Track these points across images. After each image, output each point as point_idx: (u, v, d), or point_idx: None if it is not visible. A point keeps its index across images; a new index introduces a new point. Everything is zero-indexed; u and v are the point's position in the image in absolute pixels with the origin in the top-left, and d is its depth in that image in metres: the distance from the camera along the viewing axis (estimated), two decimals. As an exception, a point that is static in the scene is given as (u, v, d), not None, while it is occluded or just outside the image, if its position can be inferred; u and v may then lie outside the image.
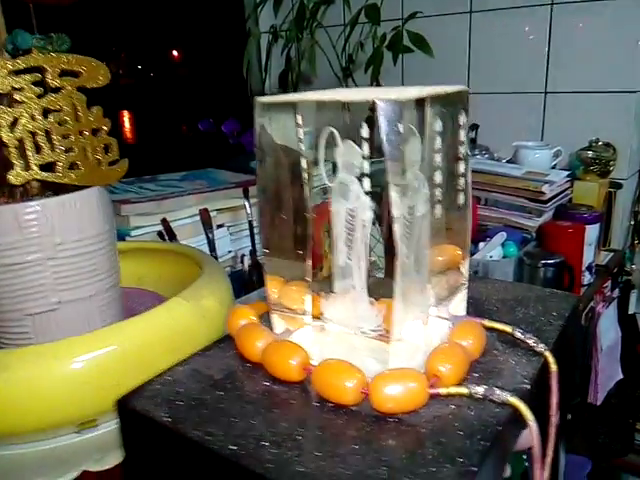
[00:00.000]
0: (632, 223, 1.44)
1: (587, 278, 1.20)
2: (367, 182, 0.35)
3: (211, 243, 1.02)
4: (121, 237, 0.94)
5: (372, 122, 0.32)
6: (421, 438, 0.32)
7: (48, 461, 0.54)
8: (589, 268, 1.20)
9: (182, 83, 2.10)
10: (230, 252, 1.09)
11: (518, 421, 0.33)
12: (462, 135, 0.38)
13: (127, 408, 0.37)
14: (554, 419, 0.37)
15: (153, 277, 0.81)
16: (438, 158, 0.37)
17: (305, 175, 0.39)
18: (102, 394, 0.50)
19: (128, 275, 0.77)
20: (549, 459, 0.36)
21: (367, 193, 0.36)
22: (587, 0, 1.30)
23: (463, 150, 0.38)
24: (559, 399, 0.38)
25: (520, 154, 1.37)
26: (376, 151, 0.34)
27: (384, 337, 0.37)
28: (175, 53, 2.20)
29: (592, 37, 1.32)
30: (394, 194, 0.32)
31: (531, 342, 0.39)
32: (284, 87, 1.56)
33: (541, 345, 0.39)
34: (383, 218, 0.35)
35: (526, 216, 1.23)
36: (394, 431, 0.33)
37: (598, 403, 1.27)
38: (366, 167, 0.35)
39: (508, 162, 1.39)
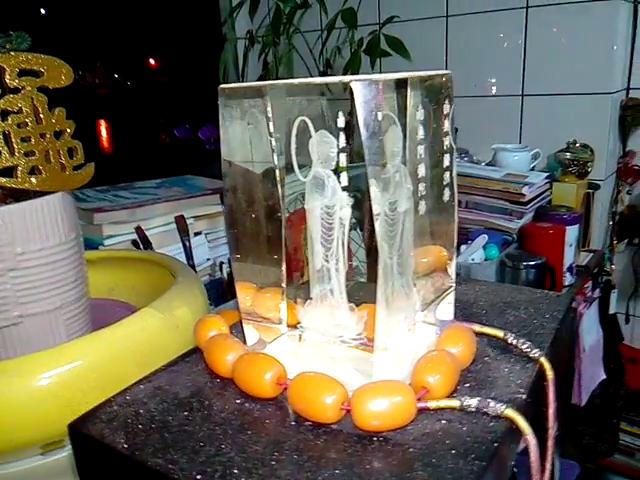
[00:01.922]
0: (611, 224, 1.45)
1: (568, 279, 1.19)
2: (344, 176, 0.32)
3: (188, 251, 0.99)
4: (94, 246, 0.91)
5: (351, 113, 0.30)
6: (409, 459, 0.29)
7: (11, 485, 0.51)
8: (570, 269, 1.19)
9: (159, 90, 2.07)
10: (208, 260, 1.07)
11: (515, 435, 0.30)
12: (447, 125, 0.36)
13: (80, 433, 0.33)
14: (552, 430, 0.35)
15: (126, 287, 0.78)
16: (421, 150, 0.34)
17: (277, 172, 0.36)
18: (68, 412, 0.48)
19: (99, 286, 0.74)
20: (548, 473, 0.33)
21: (344, 189, 0.33)
22: (561, 3, 1.30)
23: (448, 142, 0.36)
24: (556, 408, 0.35)
25: (499, 157, 1.37)
26: (356, 154, 0.31)
27: (367, 346, 0.34)
28: (151, 61, 2.18)
29: (568, 40, 1.33)
30: (374, 188, 0.29)
31: (525, 347, 0.36)
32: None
33: (535, 350, 0.36)
34: (364, 221, 0.33)
35: (507, 218, 1.23)
36: (379, 452, 0.30)
37: (582, 404, 1.27)
38: (342, 160, 0.32)
39: (488, 165, 1.39)
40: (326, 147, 0.32)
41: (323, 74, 1.45)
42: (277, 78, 1.45)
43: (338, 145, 0.32)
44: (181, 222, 1.00)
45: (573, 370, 1.25)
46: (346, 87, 0.27)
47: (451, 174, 0.37)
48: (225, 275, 1.04)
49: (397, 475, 0.28)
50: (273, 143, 0.35)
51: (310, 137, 0.33)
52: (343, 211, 0.33)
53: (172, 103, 1.99)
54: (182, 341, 0.58)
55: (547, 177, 1.31)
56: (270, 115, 0.34)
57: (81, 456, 0.35)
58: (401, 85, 0.32)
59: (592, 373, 1.30)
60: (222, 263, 1.05)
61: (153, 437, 0.32)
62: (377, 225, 0.30)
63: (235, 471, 0.29)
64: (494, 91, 1.46)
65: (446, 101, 0.36)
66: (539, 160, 1.39)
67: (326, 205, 0.33)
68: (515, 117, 1.45)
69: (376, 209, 0.29)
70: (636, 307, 1.53)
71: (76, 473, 0.53)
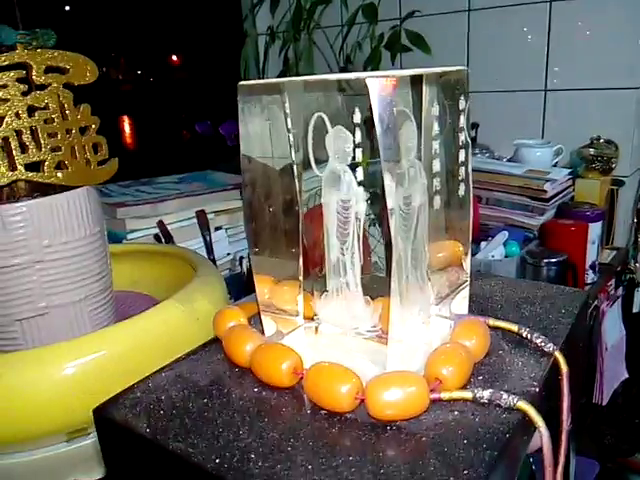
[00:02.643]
0: (635, 220, 1.43)
1: (591, 277, 1.18)
2: (360, 172, 0.33)
3: (208, 245, 1.01)
4: (117, 240, 0.93)
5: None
6: (422, 447, 0.29)
7: (37, 472, 0.53)
8: (592, 266, 1.18)
9: (181, 86, 2.10)
10: (229, 254, 1.08)
11: (527, 427, 0.31)
12: (462, 121, 0.36)
13: (104, 418, 0.34)
14: (565, 424, 0.35)
15: (148, 280, 0.80)
16: (436, 145, 0.35)
17: (295, 167, 0.37)
18: (92, 401, 0.49)
19: (122, 278, 0.76)
20: (561, 467, 0.34)
21: (360, 183, 0.33)
22: (586, -3, 1.29)
23: (463, 137, 0.36)
24: (570, 402, 0.35)
25: (521, 152, 1.36)
26: (376, 150, 0.31)
27: (381, 338, 0.34)
28: (174, 57, 2.20)
29: (591, 34, 1.31)
30: (388, 182, 0.29)
31: (539, 341, 0.37)
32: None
33: (550, 344, 0.36)
34: (383, 217, 0.33)
35: (528, 215, 1.21)
36: (393, 440, 0.30)
37: (604, 403, 1.25)
38: (359, 155, 0.32)
39: (509, 161, 1.38)
40: (342, 142, 0.32)
41: (343, 69, 1.45)
42: (297, 74, 1.45)
43: (354, 140, 0.32)
44: (202, 217, 1.01)
45: (595, 368, 1.24)
46: (362, 83, 0.28)
47: (466, 169, 0.37)
48: (245, 270, 1.05)
49: (409, 462, 0.28)
50: (291, 139, 0.36)
51: (326, 132, 0.34)
52: (359, 205, 0.33)
53: (194, 99, 2.02)
54: (202, 333, 0.59)
55: (570, 173, 1.29)
56: (288, 111, 0.35)
57: (105, 440, 0.36)
58: (416, 81, 0.32)
59: (614, 372, 1.29)
60: (242, 258, 1.06)
61: (174, 422, 0.33)
62: (391, 219, 0.30)
63: (252, 456, 0.29)
64: (516, 86, 1.45)
65: (462, 97, 0.36)
66: (562, 156, 1.37)
67: (342, 199, 0.34)
68: (537, 112, 1.44)
69: (390, 203, 0.30)
70: (660, 306, 1.51)
71: (100, 459, 0.55)
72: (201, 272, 0.68)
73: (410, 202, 0.32)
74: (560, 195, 1.25)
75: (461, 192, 0.37)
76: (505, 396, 0.31)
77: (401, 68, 1.55)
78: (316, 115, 0.33)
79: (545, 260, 1.05)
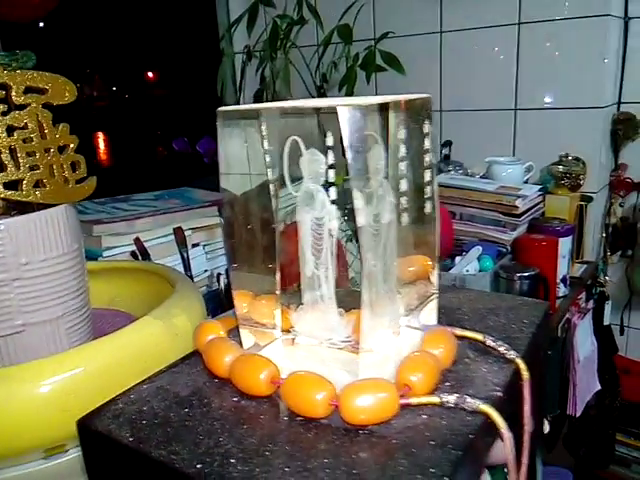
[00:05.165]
0: (603, 235, 1.47)
1: (562, 290, 1.21)
2: (333, 191, 0.35)
3: (186, 262, 1.01)
4: (93, 258, 0.92)
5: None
6: (392, 449, 0.31)
7: (14, 489, 0.53)
8: (564, 280, 1.21)
9: (157, 103, 2.10)
10: (206, 271, 1.08)
11: (490, 429, 0.33)
12: (427, 143, 0.38)
13: (88, 428, 0.35)
14: (527, 427, 0.37)
15: (126, 297, 0.79)
16: (403, 166, 0.37)
17: (272, 187, 0.38)
18: (70, 417, 0.49)
19: (99, 296, 0.75)
20: (524, 468, 0.36)
21: (333, 202, 0.35)
22: (553, 20, 1.34)
23: (428, 158, 0.38)
24: (532, 407, 0.37)
25: (493, 169, 1.39)
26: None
27: (354, 348, 0.36)
28: (150, 74, 2.21)
29: (560, 55, 1.35)
30: (358, 201, 0.32)
31: (502, 349, 0.39)
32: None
33: (512, 352, 0.38)
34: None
35: (501, 230, 1.24)
36: (365, 443, 0.32)
37: (577, 415, 1.28)
38: (331, 175, 0.34)
39: (482, 177, 1.41)
40: (316, 164, 0.34)
41: (319, 88, 1.48)
42: (274, 92, 1.47)
43: (326, 162, 0.34)
44: (179, 234, 1.01)
45: (568, 381, 1.26)
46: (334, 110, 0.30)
47: (432, 188, 0.40)
48: (222, 286, 1.05)
49: (380, 463, 0.30)
50: (267, 159, 0.38)
51: (301, 154, 0.36)
52: (332, 223, 0.35)
53: (170, 116, 2.02)
54: (181, 348, 0.59)
55: (540, 189, 1.33)
56: (265, 134, 0.37)
57: (89, 450, 0.37)
58: (384, 108, 0.34)
59: (587, 384, 1.31)
60: (219, 274, 1.06)
61: (156, 431, 0.34)
62: (361, 236, 0.32)
63: (232, 461, 0.31)
64: (487, 105, 1.49)
65: (426, 121, 0.38)
66: (532, 173, 1.41)
67: (316, 217, 0.36)
68: (508, 131, 1.48)
69: (360, 221, 0.32)
70: (630, 318, 1.55)
71: (78, 476, 0.55)
72: (179, 288, 0.68)
73: (379, 219, 0.34)
74: (531, 211, 1.28)
75: (428, 209, 0.40)
76: (470, 400, 0.33)
77: (376, 87, 1.59)
78: (291, 138, 0.35)
79: (518, 274, 1.08)
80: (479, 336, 0.40)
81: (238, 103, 1.70)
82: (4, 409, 0.46)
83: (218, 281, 1.06)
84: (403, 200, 0.37)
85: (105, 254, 0.95)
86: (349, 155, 0.31)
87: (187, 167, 1.56)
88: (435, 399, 0.34)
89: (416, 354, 0.37)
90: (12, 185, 0.57)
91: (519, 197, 1.23)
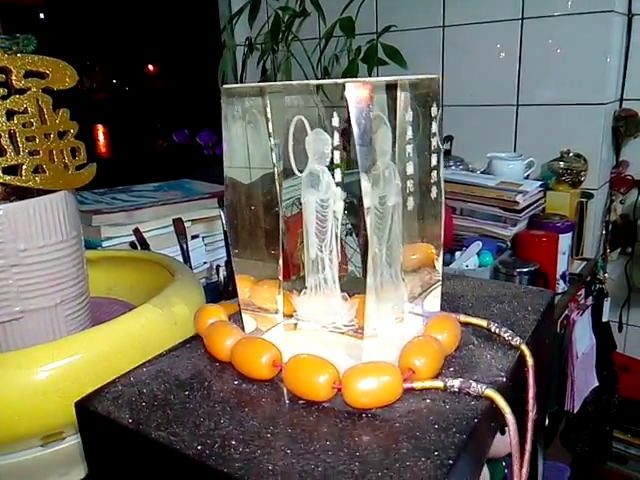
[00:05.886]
0: (603, 232, 1.47)
1: (561, 286, 1.21)
2: (338, 173, 0.34)
3: (185, 253, 1.01)
4: (92, 248, 0.92)
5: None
6: (395, 433, 0.31)
7: (11, 476, 0.52)
8: (563, 276, 1.21)
9: (157, 96, 2.09)
10: (205, 263, 1.08)
11: (494, 414, 0.33)
12: (434, 127, 0.38)
13: (87, 410, 0.35)
14: (532, 414, 0.37)
15: (124, 286, 0.79)
16: (410, 149, 0.36)
17: (275, 170, 0.38)
18: (68, 404, 0.49)
19: (98, 285, 0.75)
20: (527, 455, 0.35)
21: (337, 184, 0.35)
22: (556, 15, 1.33)
23: (435, 142, 0.38)
24: (536, 393, 0.37)
25: (494, 165, 1.39)
26: (352, 161, 0.33)
27: (357, 333, 0.36)
28: (150, 66, 2.20)
29: (562, 51, 1.35)
30: (365, 183, 0.31)
31: (506, 336, 0.39)
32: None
33: (517, 338, 0.38)
34: (360, 226, 0.35)
35: (501, 225, 1.24)
36: (368, 426, 0.32)
37: (575, 411, 1.28)
38: (337, 156, 0.34)
39: (482, 173, 1.41)
40: (321, 144, 0.34)
41: (321, 82, 1.48)
42: (276, 85, 1.47)
43: (332, 143, 0.34)
44: (179, 225, 1.01)
45: (566, 377, 1.27)
46: (341, 89, 0.30)
47: (438, 173, 0.39)
48: (222, 278, 1.05)
49: (383, 446, 0.30)
50: (272, 141, 0.37)
51: (306, 136, 0.36)
52: (337, 204, 0.35)
53: (170, 108, 2.01)
54: (180, 336, 0.59)
55: (541, 185, 1.33)
56: (269, 115, 0.36)
57: (87, 432, 0.37)
58: (391, 88, 0.34)
59: (585, 380, 1.31)
60: (219, 266, 1.06)
61: (156, 413, 0.34)
62: (367, 217, 0.32)
63: (233, 442, 0.31)
64: (489, 101, 1.49)
65: (434, 104, 0.38)
66: (533, 169, 1.41)
67: (321, 199, 0.35)
68: (510, 126, 1.48)
69: (366, 202, 0.32)
70: (629, 315, 1.55)
71: (75, 463, 0.55)
72: (178, 277, 0.68)
73: (385, 202, 0.34)
74: (532, 207, 1.28)
75: (433, 195, 0.39)
76: (474, 385, 0.33)
77: (377, 81, 1.58)
78: (296, 118, 0.34)
79: (517, 270, 1.08)
80: (483, 322, 0.40)
81: (239, 96, 1.69)
82: (1, 396, 0.46)
83: (217, 273, 1.06)
84: (409, 184, 0.37)
85: (104, 244, 0.95)
86: (356, 134, 0.30)
87: (186, 159, 1.55)
88: (439, 383, 0.34)
89: (420, 338, 0.37)
90: (11, 170, 0.57)
91: (520, 193, 1.23)
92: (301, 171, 0.35)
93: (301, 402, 0.34)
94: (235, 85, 0.37)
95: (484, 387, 0.32)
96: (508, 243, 1.23)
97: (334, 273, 0.37)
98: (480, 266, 1.15)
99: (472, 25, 1.45)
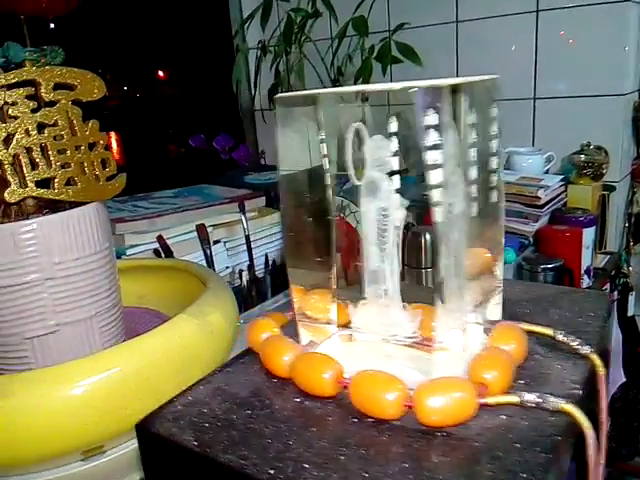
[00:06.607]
0: (626, 225, 1.45)
1: (586, 281, 1.19)
2: (397, 179, 0.33)
3: (209, 259, 1.00)
4: (117, 256, 0.91)
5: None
6: (475, 453, 0.30)
7: (54, 492, 0.52)
8: (587, 271, 1.19)
9: (169, 101, 2.09)
10: (227, 268, 1.07)
11: (572, 428, 0.31)
12: (494, 128, 0.37)
13: (148, 432, 0.34)
14: (606, 425, 0.35)
15: (154, 295, 0.79)
16: (473, 153, 0.35)
17: (328, 177, 0.37)
18: (107, 418, 0.49)
19: (128, 294, 0.75)
20: (602, 468, 0.34)
21: (397, 191, 0.34)
22: (572, 6, 1.31)
23: (495, 144, 0.37)
24: (608, 403, 0.36)
25: (513, 160, 1.38)
26: (412, 165, 0.32)
27: (424, 345, 0.35)
28: (161, 72, 2.20)
29: (579, 42, 1.33)
30: (436, 194, 0.30)
31: (575, 344, 0.37)
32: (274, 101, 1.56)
33: (586, 347, 0.37)
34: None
35: (523, 221, 1.23)
36: (444, 446, 0.30)
37: (603, 408, 1.26)
38: (395, 163, 0.33)
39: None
40: (382, 151, 0.33)
41: (334, 82, 1.46)
42: (289, 86, 1.46)
43: (392, 151, 0.33)
44: (202, 231, 1.01)
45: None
46: (408, 93, 0.28)
47: (498, 177, 0.38)
48: (245, 283, 1.05)
49: (466, 468, 0.28)
50: (324, 149, 0.36)
51: (358, 143, 0.34)
52: (397, 213, 0.34)
53: (184, 114, 2.01)
54: (216, 347, 0.59)
55: (562, 180, 1.31)
56: (322, 122, 0.35)
57: (148, 454, 0.36)
58: (455, 90, 0.33)
59: (612, 376, 1.30)
60: (242, 271, 1.06)
61: (221, 435, 0.33)
62: (436, 227, 0.30)
63: (306, 465, 0.29)
64: (506, 94, 1.47)
65: (493, 105, 0.37)
66: (553, 163, 1.39)
67: (381, 207, 0.34)
68: (527, 120, 1.46)
69: (437, 217, 0.30)
70: (655, 309, 1.53)
71: (120, 477, 0.54)
72: (211, 285, 0.68)
73: (452, 209, 0.33)
74: (553, 201, 1.26)
75: (493, 199, 0.38)
76: (552, 399, 0.31)
77: (391, 79, 1.57)
78: (355, 125, 0.33)
79: (542, 266, 1.06)
80: (549, 331, 0.39)
81: (253, 99, 1.69)
82: (41, 411, 0.46)
83: (240, 278, 1.05)
84: (472, 189, 0.36)
85: (128, 252, 0.95)
86: (424, 139, 0.29)
87: (203, 164, 1.55)
88: (514, 398, 0.32)
89: (488, 351, 0.35)
90: (44, 183, 0.56)
91: (541, 187, 1.22)
92: (359, 178, 0.34)
93: (369, 420, 0.33)
94: (288, 94, 0.36)
95: (562, 402, 0.31)
96: (531, 239, 1.21)
97: (395, 283, 0.36)
98: (504, 263, 1.13)
99: (486, 19, 1.43)
